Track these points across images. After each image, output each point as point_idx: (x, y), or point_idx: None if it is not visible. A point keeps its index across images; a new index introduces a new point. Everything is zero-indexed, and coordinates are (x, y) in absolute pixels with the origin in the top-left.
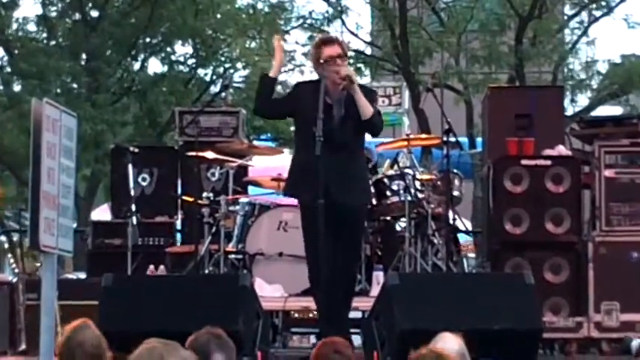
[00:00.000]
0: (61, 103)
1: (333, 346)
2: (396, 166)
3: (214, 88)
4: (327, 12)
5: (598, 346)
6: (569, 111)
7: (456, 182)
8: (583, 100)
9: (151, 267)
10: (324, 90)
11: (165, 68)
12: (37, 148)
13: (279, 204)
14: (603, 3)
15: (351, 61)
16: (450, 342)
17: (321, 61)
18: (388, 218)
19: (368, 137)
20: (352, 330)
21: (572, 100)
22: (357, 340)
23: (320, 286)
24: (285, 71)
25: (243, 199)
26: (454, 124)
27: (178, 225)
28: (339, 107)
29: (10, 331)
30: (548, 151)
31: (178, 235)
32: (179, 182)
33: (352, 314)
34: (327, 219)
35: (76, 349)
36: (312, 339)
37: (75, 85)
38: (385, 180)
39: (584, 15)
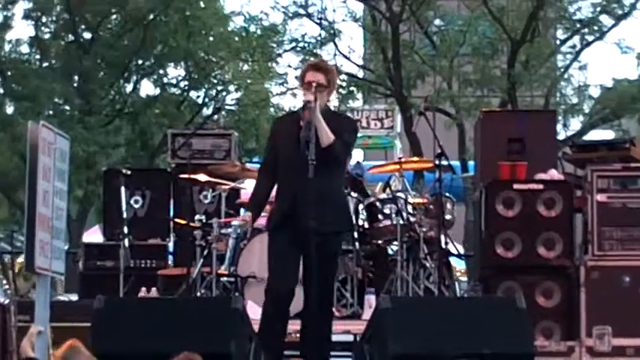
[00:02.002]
0: (54, 125)
1: None
2: (388, 190)
3: (207, 111)
4: (320, 35)
5: None
6: (562, 135)
7: (448, 206)
8: (575, 124)
9: (143, 289)
10: (308, 114)
11: (158, 90)
12: (33, 170)
13: None
14: (595, 28)
15: (344, 84)
16: None
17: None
18: (380, 242)
19: (359, 160)
20: (344, 353)
21: (565, 125)
22: None
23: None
24: (278, 94)
25: (235, 222)
26: (446, 148)
27: (170, 247)
28: (307, 130)
29: (1, 352)
30: (540, 175)
31: (170, 258)
32: (171, 204)
33: (344, 337)
34: (297, 243)
35: None
36: None
37: (67, 107)
38: (377, 203)
39: (576, 39)
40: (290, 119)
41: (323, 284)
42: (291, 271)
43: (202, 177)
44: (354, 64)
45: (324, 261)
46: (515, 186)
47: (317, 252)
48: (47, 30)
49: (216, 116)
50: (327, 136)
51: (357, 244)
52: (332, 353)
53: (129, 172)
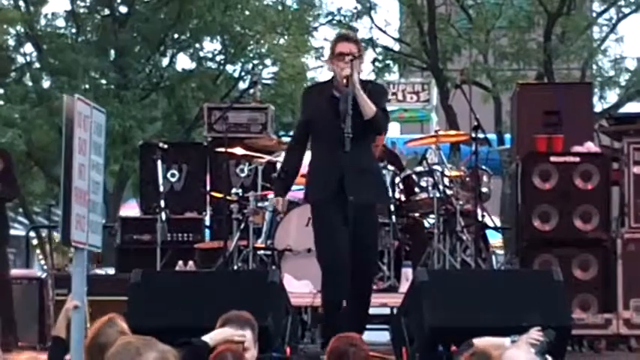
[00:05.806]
0: (90, 99)
1: (348, 340)
2: (424, 163)
3: (243, 85)
4: (356, 8)
5: (627, 343)
6: (598, 108)
7: (485, 179)
8: (612, 96)
9: (180, 263)
10: (347, 86)
11: (194, 64)
12: (69, 144)
13: None
14: (632, 0)
15: (380, 57)
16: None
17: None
18: (417, 215)
19: (395, 133)
20: (381, 326)
21: (601, 97)
22: (385, 336)
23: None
24: (314, 68)
25: (271, 195)
26: (482, 121)
27: (207, 221)
28: (344, 103)
29: (39, 326)
30: (577, 148)
31: (207, 231)
32: (208, 178)
33: (381, 310)
34: (342, 216)
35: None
36: None
37: (103, 81)
38: (414, 176)
39: (612, 12)
40: (322, 91)
41: (364, 255)
42: (342, 245)
43: (239, 150)
44: (390, 37)
45: (364, 233)
46: (552, 159)
47: (357, 224)
48: (83, 4)
49: (252, 90)
50: (369, 107)
51: (393, 217)
52: (369, 326)
53: (165, 146)
